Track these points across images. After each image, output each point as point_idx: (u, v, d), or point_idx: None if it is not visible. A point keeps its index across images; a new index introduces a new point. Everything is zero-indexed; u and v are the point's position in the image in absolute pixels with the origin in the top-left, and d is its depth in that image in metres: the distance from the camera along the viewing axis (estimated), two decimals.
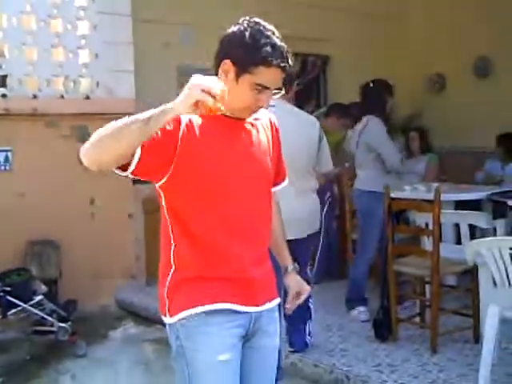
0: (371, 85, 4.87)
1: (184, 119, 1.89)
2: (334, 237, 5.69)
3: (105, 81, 5.61)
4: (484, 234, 4.70)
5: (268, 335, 2.11)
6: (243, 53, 1.88)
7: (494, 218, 4.55)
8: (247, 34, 1.89)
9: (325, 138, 3.99)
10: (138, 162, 1.80)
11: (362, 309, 4.73)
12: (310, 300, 3.87)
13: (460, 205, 5.00)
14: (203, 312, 1.95)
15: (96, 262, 5.45)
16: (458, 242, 4.72)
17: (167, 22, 6.30)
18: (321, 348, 4.16)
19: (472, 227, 4.58)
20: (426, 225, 4.37)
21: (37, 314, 4.44)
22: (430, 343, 4.02)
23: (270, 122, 2.16)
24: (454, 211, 4.84)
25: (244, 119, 2.02)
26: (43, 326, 4.49)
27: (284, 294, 2.55)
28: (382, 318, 4.26)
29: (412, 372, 3.76)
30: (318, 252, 4.11)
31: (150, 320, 5.00)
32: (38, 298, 4.50)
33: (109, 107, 5.19)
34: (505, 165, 6.32)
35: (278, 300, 2.17)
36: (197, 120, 1.93)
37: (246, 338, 2.05)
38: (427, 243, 4.34)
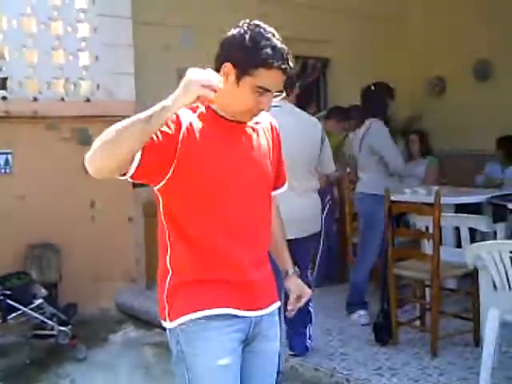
0: (372, 88, 4.88)
1: (185, 123, 1.89)
2: (334, 240, 5.68)
3: (105, 83, 5.61)
4: (484, 237, 4.70)
5: (268, 339, 2.11)
6: (243, 55, 1.88)
7: (495, 221, 4.55)
8: (247, 36, 1.89)
9: (327, 140, 4.00)
10: (138, 166, 1.79)
11: (362, 312, 4.73)
12: (311, 304, 3.87)
13: (460, 208, 4.99)
14: (203, 317, 1.95)
15: (96, 265, 5.45)
16: (458, 245, 4.72)
17: (167, 25, 6.31)
18: (321, 352, 4.15)
19: (472, 230, 4.58)
20: (426, 228, 4.37)
21: (37, 318, 4.44)
22: (431, 347, 4.02)
23: (271, 126, 2.16)
24: (454, 214, 4.83)
25: (245, 123, 2.02)
26: (43, 329, 4.48)
27: (284, 298, 2.55)
28: (382, 321, 4.25)
29: (412, 376, 3.76)
30: (318, 255, 4.10)
31: (151, 324, 4.99)
32: (38, 301, 4.49)
33: (109, 110, 5.19)
34: (505, 168, 6.31)
35: (278, 304, 2.17)
36: (197, 123, 1.93)
37: (246, 343, 2.05)
38: (427, 246, 4.34)
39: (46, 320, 4.45)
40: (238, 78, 1.90)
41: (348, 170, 5.61)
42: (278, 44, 1.91)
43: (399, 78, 7.08)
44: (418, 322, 4.41)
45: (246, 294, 2.00)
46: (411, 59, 8.31)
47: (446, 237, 4.70)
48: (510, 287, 3.36)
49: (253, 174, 2.02)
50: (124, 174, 1.81)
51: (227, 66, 1.91)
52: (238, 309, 1.99)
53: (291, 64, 1.93)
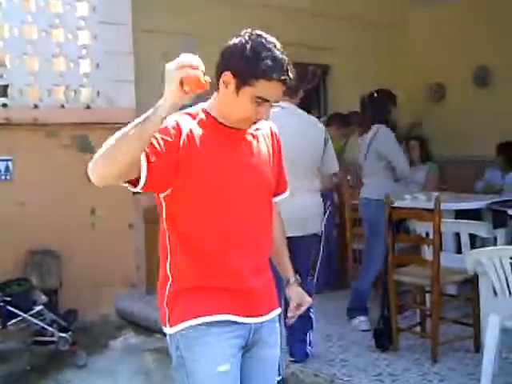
0: (376, 95, 4.91)
1: (185, 130, 1.90)
2: (334, 246, 5.68)
3: (105, 90, 5.62)
4: (484, 243, 4.70)
5: (268, 346, 2.11)
6: (244, 65, 1.88)
7: (495, 227, 4.55)
8: (248, 46, 1.89)
9: (330, 141, 4.04)
10: (146, 179, 1.78)
11: (362, 318, 4.73)
12: (311, 310, 3.86)
13: (460, 214, 5.00)
14: (203, 323, 1.95)
15: (96, 271, 5.45)
16: (459, 251, 4.72)
17: (168, 32, 6.33)
18: (321, 358, 4.15)
19: (472, 236, 4.58)
20: (427, 234, 4.37)
21: (37, 324, 4.44)
22: (431, 353, 4.02)
23: (271, 132, 2.17)
24: (454, 220, 4.84)
25: (245, 129, 2.02)
26: (43, 336, 4.48)
27: (284, 304, 2.56)
28: (382, 327, 4.25)
29: (413, 382, 3.75)
30: (319, 262, 4.10)
31: (151, 329, 4.99)
32: (39, 308, 4.49)
33: (109, 117, 5.20)
34: (505, 174, 6.32)
35: (278, 310, 2.17)
36: (197, 130, 1.94)
37: (246, 349, 2.05)
38: (427, 252, 4.34)
39: (46, 326, 4.45)
40: (238, 88, 1.90)
41: (348, 176, 5.62)
42: (279, 55, 1.91)
43: (399, 84, 7.09)
44: (418, 328, 4.41)
45: (245, 301, 2.01)
46: (411, 66, 8.32)
47: (446, 243, 4.70)
48: (510, 293, 3.36)
49: (253, 180, 2.03)
50: (134, 186, 1.81)
51: (227, 75, 1.91)
52: (238, 315, 1.99)
53: (291, 75, 1.93)
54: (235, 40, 1.94)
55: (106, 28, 5.57)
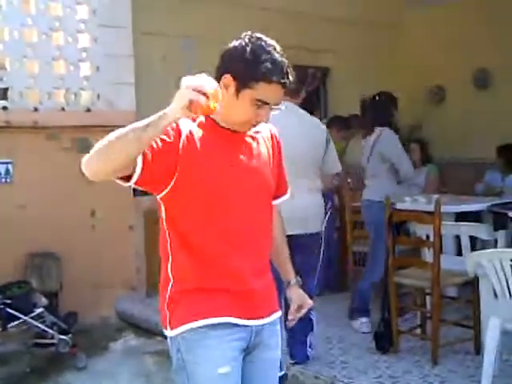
0: (378, 97, 4.93)
1: (184, 131, 1.90)
2: (334, 248, 5.68)
3: (106, 93, 5.63)
4: (485, 245, 4.70)
5: (269, 348, 2.11)
6: (244, 68, 1.89)
7: (495, 229, 4.55)
8: (248, 49, 1.90)
9: (332, 142, 4.06)
10: (141, 173, 1.80)
11: (364, 320, 4.73)
12: (312, 312, 3.87)
13: (460, 216, 5.00)
14: (204, 326, 1.95)
15: (96, 273, 5.45)
16: (459, 253, 4.72)
17: (168, 35, 6.34)
18: (321, 360, 4.15)
19: (473, 239, 4.58)
20: (427, 236, 4.37)
21: (37, 327, 4.44)
22: (431, 355, 4.01)
23: (271, 134, 2.17)
24: (454, 223, 4.84)
25: (245, 132, 2.03)
26: (44, 338, 4.48)
27: (285, 307, 2.56)
28: (382, 329, 4.25)
29: None
30: (319, 264, 4.10)
31: (151, 332, 4.99)
32: (39, 310, 4.49)
33: (109, 119, 5.20)
34: (505, 176, 6.32)
35: (279, 313, 2.17)
36: (197, 132, 1.94)
37: (247, 351, 2.05)
38: (428, 255, 4.34)
39: (46, 329, 4.45)
40: (238, 91, 1.91)
41: (349, 179, 5.62)
42: (279, 58, 1.91)
43: (399, 86, 7.11)
44: (418, 330, 4.41)
45: (246, 303, 2.01)
46: (411, 68, 8.33)
47: (446, 245, 4.70)
48: (510, 295, 3.36)
49: (253, 182, 2.03)
50: (127, 181, 1.82)
51: (227, 78, 1.92)
52: (239, 318, 1.99)
53: (291, 78, 1.93)
54: (235, 43, 1.95)
55: (106, 31, 5.57)
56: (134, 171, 1.80)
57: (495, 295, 3.46)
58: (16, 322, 4.38)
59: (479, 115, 7.72)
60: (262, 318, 2.07)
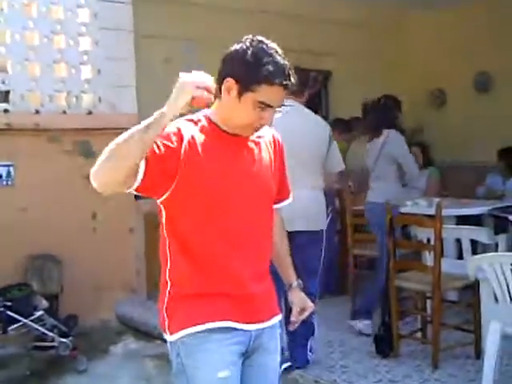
0: (382, 100, 4.95)
1: (186, 136, 1.90)
2: (334, 252, 5.68)
3: (107, 96, 5.63)
4: (485, 249, 4.69)
5: (269, 352, 2.11)
6: (245, 71, 1.89)
7: (496, 233, 4.55)
8: (250, 52, 1.90)
9: (335, 142, 4.10)
10: (143, 179, 1.80)
11: (367, 322, 4.72)
12: (314, 316, 3.86)
13: (461, 220, 5.00)
14: (203, 330, 1.95)
15: (97, 276, 5.44)
16: (460, 256, 4.71)
17: (169, 38, 6.34)
18: (321, 364, 4.14)
19: (473, 242, 4.58)
20: (428, 240, 4.37)
21: (37, 330, 4.43)
22: (432, 359, 4.01)
23: (274, 139, 2.16)
24: (455, 226, 4.84)
25: (247, 137, 2.02)
26: (44, 341, 4.47)
27: (285, 310, 2.55)
28: (383, 333, 4.24)
29: None
30: (320, 267, 4.10)
31: (151, 335, 4.98)
32: (39, 313, 4.48)
33: (111, 122, 5.21)
34: (506, 179, 6.32)
35: (279, 317, 2.17)
36: (199, 136, 1.94)
37: (247, 355, 2.05)
38: (428, 258, 4.33)
39: (46, 331, 4.44)
40: (240, 94, 1.90)
41: (350, 182, 5.62)
42: (280, 60, 1.91)
43: (400, 90, 7.10)
44: (419, 334, 4.40)
45: (246, 307, 2.01)
46: (412, 71, 8.34)
47: (447, 248, 4.70)
48: (511, 299, 3.35)
49: (254, 187, 2.03)
50: (129, 187, 1.82)
51: (229, 81, 1.91)
52: (238, 322, 1.99)
53: (293, 80, 1.94)
54: (236, 46, 1.95)
55: (107, 34, 5.58)
56: (135, 177, 1.80)
57: (496, 299, 3.45)
58: (16, 325, 4.37)
59: (480, 119, 7.72)
60: (262, 321, 2.06)
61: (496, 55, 7.57)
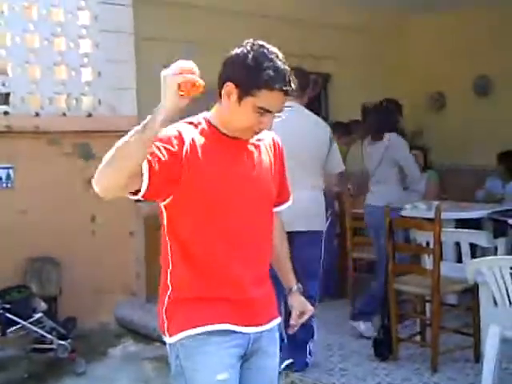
0: (384, 104, 4.97)
1: (187, 139, 1.90)
2: (334, 255, 5.68)
3: (107, 98, 5.63)
4: (485, 252, 4.69)
5: (268, 355, 2.11)
6: (246, 75, 1.89)
7: (495, 236, 4.56)
8: (250, 56, 1.90)
9: (335, 143, 4.12)
10: (148, 186, 1.79)
11: (368, 324, 4.72)
12: (313, 319, 3.85)
13: (460, 223, 5.00)
14: (202, 333, 1.95)
15: (96, 279, 5.44)
16: (459, 260, 4.71)
17: (169, 40, 6.34)
18: (321, 367, 4.14)
19: (473, 246, 4.58)
20: (427, 243, 4.37)
21: (36, 332, 4.43)
22: (431, 362, 4.00)
23: (273, 142, 2.17)
24: (454, 230, 4.84)
25: (247, 140, 2.03)
26: (43, 343, 4.46)
27: (285, 313, 2.55)
28: (382, 336, 4.24)
29: None
30: (320, 270, 4.10)
31: (150, 338, 4.98)
32: (38, 315, 4.48)
33: (111, 125, 5.21)
34: (505, 183, 6.33)
35: (278, 320, 2.17)
36: (199, 140, 1.94)
37: (245, 358, 2.05)
38: (427, 261, 4.34)
39: (45, 334, 4.44)
40: (240, 98, 1.91)
41: (349, 185, 5.62)
42: (281, 65, 1.91)
43: (401, 93, 7.11)
44: (418, 338, 4.40)
45: (245, 311, 2.01)
46: (412, 75, 8.35)
47: (446, 252, 4.70)
48: (510, 303, 3.35)
49: (254, 190, 2.03)
50: (134, 194, 1.82)
51: (229, 86, 1.92)
52: (237, 324, 1.99)
53: (293, 85, 1.93)
54: (237, 50, 1.95)
55: (108, 36, 5.58)
56: (141, 185, 1.79)
57: (495, 303, 3.45)
58: (15, 327, 4.36)
59: (480, 122, 7.73)
60: (261, 325, 2.07)
61: (496, 59, 7.58)
